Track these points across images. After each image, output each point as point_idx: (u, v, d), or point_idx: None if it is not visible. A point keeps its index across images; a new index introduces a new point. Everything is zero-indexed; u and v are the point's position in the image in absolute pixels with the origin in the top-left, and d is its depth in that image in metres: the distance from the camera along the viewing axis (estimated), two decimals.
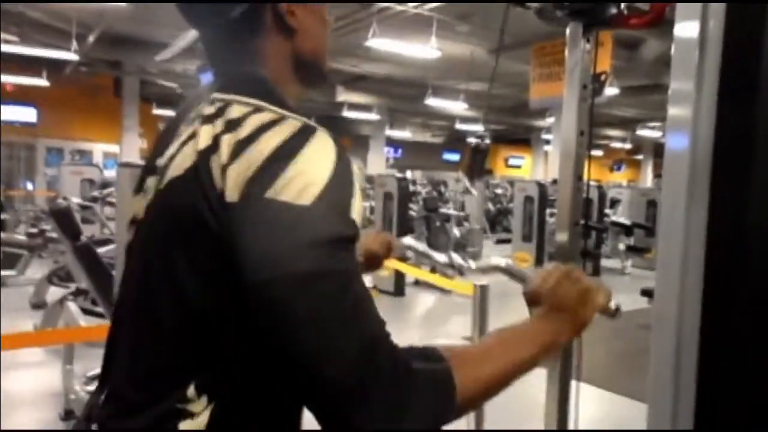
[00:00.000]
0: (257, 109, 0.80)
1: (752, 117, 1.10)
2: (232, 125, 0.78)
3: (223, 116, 0.80)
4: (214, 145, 0.77)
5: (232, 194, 0.73)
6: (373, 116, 17.39)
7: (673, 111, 1.20)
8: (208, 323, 0.77)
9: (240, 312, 0.74)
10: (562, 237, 1.58)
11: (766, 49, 1.07)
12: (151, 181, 0.88)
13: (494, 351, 0.84)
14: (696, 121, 1.15)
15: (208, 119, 0.81)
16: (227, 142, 0.76)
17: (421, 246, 1.59)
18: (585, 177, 1.57)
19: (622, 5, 1.35)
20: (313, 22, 0.92)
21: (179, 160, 0.82)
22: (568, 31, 1.47)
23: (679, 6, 1.17)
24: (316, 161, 0.74)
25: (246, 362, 0.77)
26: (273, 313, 0.70)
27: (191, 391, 0.77)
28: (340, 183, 0.74)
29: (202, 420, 0.77)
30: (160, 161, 0.86)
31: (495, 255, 10.96)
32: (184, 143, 0.83)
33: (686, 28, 1.16)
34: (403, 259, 1.56)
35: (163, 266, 0.80)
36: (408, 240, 1.55)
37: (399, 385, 0.71)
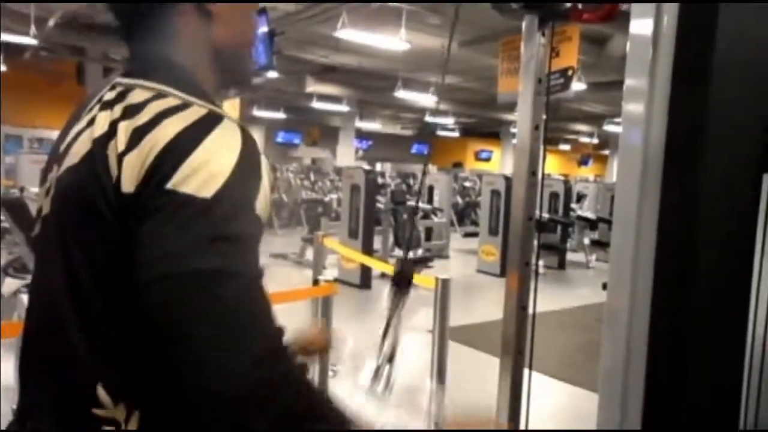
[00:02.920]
0: (160, 95, 0.75)
1: (703, 113, 1.12)
2: (131, 111, 0.74)
3: (123, 101, 0.75)
4: (111, 132, 0.73)
5: (128, 184, 0.69)
6: (342, 108, 17.29)
7: (627, 107, 1.22)
8: (107, 320, 0.73)
9: (134, 310, 0.69)
10: (515, 232, 1.59)
11: (717, 47, 1.09)
12: (52, 175, 0.84)
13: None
14: (649, 117, 1.16)
15: (107, 105, 0.77)
16: (125, 128, 0.72)
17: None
18: (541, 172, 1.58)
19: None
20: (234, 11, 0.87)
21: (75, 148, 0.78)
22: (523, 24, 1.47)
23: (634, 4, 1.18)
24: (220, 151, 0.70)
25: (155, 365, 0.71)
26: (160, 313, 0.66)
27: (102, 394, 0.72)
28: (245, 175, 0.70)
29: (131, 426, 0.72)
30: (59, 150, 0.82)
31: (462, 248, 11.03)
32: (81, 130, 0.79)
33: (640, 26, 1.18)
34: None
35: (61, 261, 0.76)
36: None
37: (291, 401, 0.67)
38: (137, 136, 0.71)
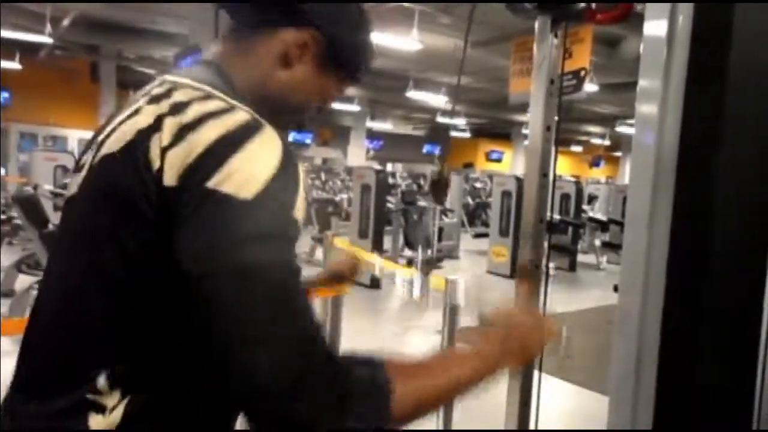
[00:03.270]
0: (207, 96, 0.77)
1: (718, 114, 1.10)
2: (178, 108, 0.75)
3: (170, 98, 0.77)
4: (156, 125, 0.74)
5: (170, 178, 0.71)
6: (354, 107, 17.31)
7: (640, 108, 1.21)
8: (131, 311, 0.74)
9: (170, 302, 0.72)
10: (526, 233, 1.58)
11: (732, 47, 1.08)
12: (87, 158, 0.85)
13: (436, 368, 0.81)
14: (662, 118, 1.15)
15: (155, 99, 0.78)
16: (170, 124, 0.74)
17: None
18: (553, 173, 1.57)
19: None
20: (311, 79, 0.90)
21: (116, 136, 0.79)
22: (536, 25, 1.46)
23: (649, 5, 1.17)
24: (262, 156, 0.72)
25: (169, 358, 0.74)
26: (209, 307, 0.68)
27: (102, 382, 0.73)
28: (284, 180, 0.72)
29: (114, 416, 0.73)
30: (99, 137, 0.83)
31: (472, 249, 11.01)
32: (124, 120, 0.80)
33: (655, 27, 1.17)
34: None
35: (89, 247, 0.77)
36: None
37: (334, 387, 0.69)
38: (182, 133, 0.73)
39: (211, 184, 0.69)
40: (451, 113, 16.10)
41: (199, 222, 0.69)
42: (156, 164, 0.72)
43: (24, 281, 5.22)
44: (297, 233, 0.74)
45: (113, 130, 0.81)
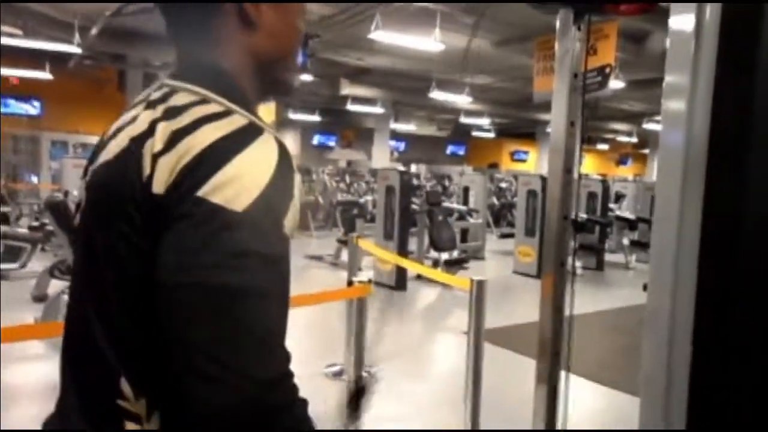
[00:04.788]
0: (203, 100, 0.75)
1: (748, 110, 1.08)
2: (172, 113, 0.73)
3: (166, 103, 0.75)
4: (150, 131, 0.73)
5: (159, 185, 0.69)
6: (377, 109, 17.33)
7: (667, 105, 1.19)
8: (127, 316, 0.73)
9: (150, 308, 0.69)
10: (551, 230, 1.56)
11: (763, 41, 1.05)
12: (93, 165, 0.84)
13: None
14: (691, 115, 1.13)
15: (151, 104, 0.77)
16: (163, 129, 0.72)
17: None
18: (578, 170, 1.55)
19: None
20: (278, 22, 0.85)
21: (114, 144, 0.78)
22: (558, 18, 1.44)
23: None
24: (256, 165, 0.69)
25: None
26: (180, 319, 0.66)
27: (126, 386, 0.73)
28: (277, 192, 0.69)
29: (152, 425, 0.72)
30: (101, 143, 0.83)
31: (498, 250, 10.93)
32: (122, 127, 0.79)
33: (681, 21, 1.15)
34: None
35: (87, 254, 0.77)
36: None
37: (292, 429, 0.67)
38: (174, 138, 0.71)
39: (201, 192, 0.66)
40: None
41: (184, 230, 0.66)
42: (146, 171, 0.70)
43: (56, 286, 5.34)
44: (287, 250, 0.71)
45: (112, 137, 0.80)
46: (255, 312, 0.66)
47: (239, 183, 0.67)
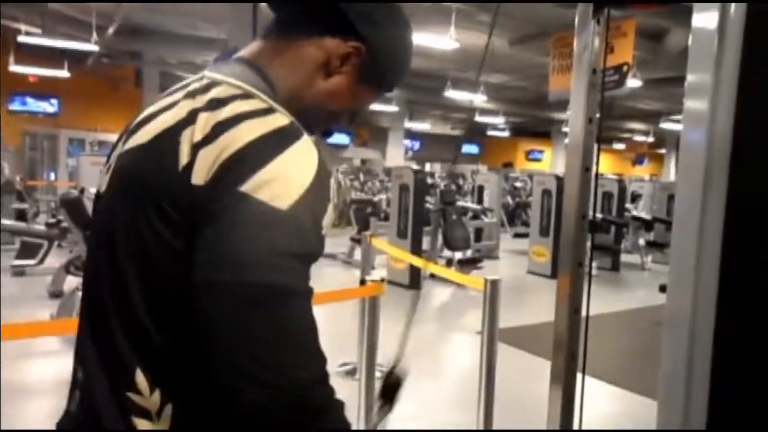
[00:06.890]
0: (246, 95, 0.75)
1: None
2: (214, 104, 0.73)
3: (207, 93, 0.75)
4: (189, 120, 0.72)
5: (199, 177, 0.68)
6: (392, 108, 17.31)
7: (689, 104, 1.17)
8: (147, 309, 0.71)
9: (183, 297, 0.67)
10: (567, 231, 1.54)
11: None
12: (114, 153, 0.83)
13: None
14: (713, 113, 1.11)
15: (191, 94, 0.76)
16: (205, 120, 0.71)
17: None
18: (595, 168, 1.52)
19: None
20: (344, 91, 0.86)
21: (147, 128, 0.77)
22: (577, 12, 1.42)
23: None
24: (299, 165, 0.70)
25: (194, 359, 0.68)
26: (215, 317, 0.65)
27: (140, 377, 0.71)
28: (317, 194, 0.70)
29: (162, 424, 0.71)
30: (128, 132, 0.82)
31: (512, 249, 10.88)
32: (157, 113, 0.78)
33: (705, 18, 1.12)
34: None
35: (110, 240, 0.75)
36: None
37: (330, 428, 0.68)
38: (216, 130, 0.70)
39: (244, 188, 0.66)
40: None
41: (226, 225, 0.65)
42: (184, 160, 0.69)
43: (72, 282, 5.39)
44: (321, 251, 0.71)
45: (144, 123, 0.79)
46: (297, 312, 0.66)
47: (283, 181, 0.67)
